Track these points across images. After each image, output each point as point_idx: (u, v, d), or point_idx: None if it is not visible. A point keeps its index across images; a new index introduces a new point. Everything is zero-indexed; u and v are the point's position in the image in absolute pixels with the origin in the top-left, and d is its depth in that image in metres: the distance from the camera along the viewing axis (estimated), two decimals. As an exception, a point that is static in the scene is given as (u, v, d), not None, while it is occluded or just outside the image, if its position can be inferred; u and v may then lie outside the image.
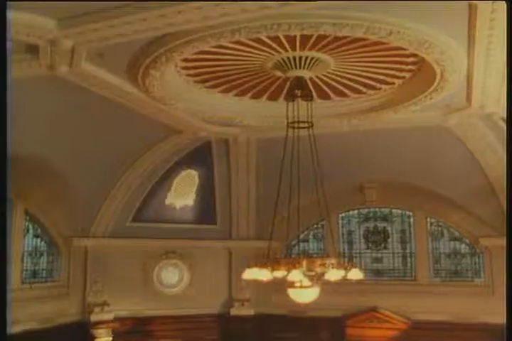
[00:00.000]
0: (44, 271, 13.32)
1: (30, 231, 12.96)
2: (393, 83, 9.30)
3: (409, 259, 14.74)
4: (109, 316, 13.56)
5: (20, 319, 11.62)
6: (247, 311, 14.82)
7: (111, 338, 13.53)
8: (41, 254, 13.27)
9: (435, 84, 8.67)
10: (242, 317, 14.67)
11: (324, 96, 9.87)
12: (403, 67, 8.56)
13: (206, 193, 14.29)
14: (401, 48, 7.53)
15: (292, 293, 7.81)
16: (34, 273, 13.04)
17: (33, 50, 7.42)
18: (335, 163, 11.75)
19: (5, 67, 5.06)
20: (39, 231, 13.12)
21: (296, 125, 8.64)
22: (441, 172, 12.58)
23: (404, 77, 9.02)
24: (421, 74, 8.68)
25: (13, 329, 11.21)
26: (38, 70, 7.89)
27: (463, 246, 14.25)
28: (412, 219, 14.70)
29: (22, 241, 12.58)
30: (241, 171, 13.77)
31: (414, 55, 7.90)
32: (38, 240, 13.21)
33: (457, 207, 13.49)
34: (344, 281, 7.95)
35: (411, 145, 11.92)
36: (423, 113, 10.22)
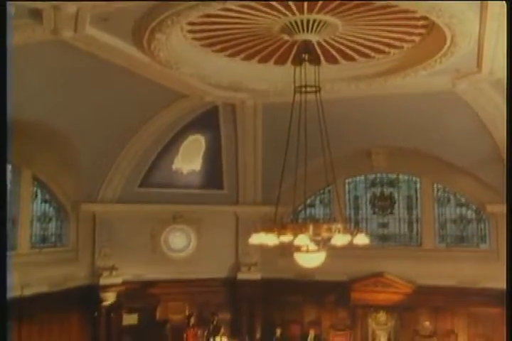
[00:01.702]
0: (53, 236, 13.49)
1: (39, 196, 13.06)
2: (402, 47, 9.14)
3: (415, 225, 14.79)
4: (118, 280, 13.77)
5: (31, 282, 11.83)
6: (254, 275, 14.99)
7: (119, 301, 13.77)
8: (50, 219, 13.40)
9: (445, 48, 8.52)
10: (248, 282, 14.85)
11: (332, 60, 9.73)
12: (412, 30, 8.39)
13: (213, 158, 14.28)
14: (410, 11, 7.37)
15: (298, 257, 7.86)
16: (43, 238, 13.20)
17: (36, 14, 7.30)
18: (342, 128, 11.66)
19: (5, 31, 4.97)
20: (47, 196, 13.22)
21: (303, 89, 8.53)
22: (449, 138, 12.49)
23: (413, 41, 8.86)
24: (431, 38, 8.52)
25: (23, 292, 11.45)
26: (42, 35, 7.78)
27: (469, 212, 14.27)
28: (418, 185, 14.69)
29: (30, 207, 12.67)
30: (248, 136, 13.72)
31: (425, 18, 7.74)
32: (47, 205, 13.32)
33: (464, 173, 13.44)
34: (350, 246, 7.99)
35: (419, 110, 11.80)
36: (432, 78, 10.07)
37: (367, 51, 9.32)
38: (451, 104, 11.20)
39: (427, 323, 13.76)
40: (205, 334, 14.18)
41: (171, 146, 13.65)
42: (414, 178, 14.80)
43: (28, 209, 12.58)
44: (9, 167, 12.13)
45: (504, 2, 5.78)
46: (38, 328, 12.22)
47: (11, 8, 6.25)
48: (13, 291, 11.32)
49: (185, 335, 13.98)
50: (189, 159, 14.18)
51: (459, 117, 11.64)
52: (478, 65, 9.35)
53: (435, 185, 14.50)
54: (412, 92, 10.96)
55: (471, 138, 12.19)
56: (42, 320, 12.22)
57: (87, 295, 13.38)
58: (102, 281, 13.58)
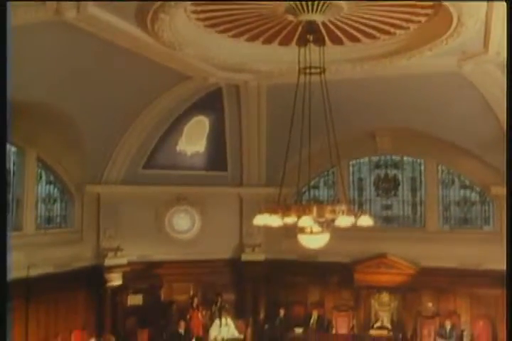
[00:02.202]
0: (58, 217, 13.55)
1: (43, 178, 13.09)
2: (408, 28, 9.03)
3: (418, 207, 14.81)
4: (123, 261, 13.86)
5: (37, 263, 11.93)
6: (258, 256, 15.08)
7: (124, 282, 13.88)
8: (55, 201, 13.45)
9: (451, 29, 8.42)
10: (252, 263, 14.95)
11: (337, 41, 9.63)
12: (419, 10, 8.29)
13: (217, 140, 14.27)
14: (417, -9, 7.29)
15: (302, 238, 7.88)
16: (48, 219, 13.27)
17: (39, -6, 7.25)
18: (346, 110, 11.62)
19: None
20: (51, 178, 13.25)
21: (307, 70, 8.45)
22: (454, 120, 12.43)
23: (419, 22, 8.75)
24: (437, 18, 8.41)
25: (29, 272, 11.55)
26: (45, 15, 7.72)
27: (473, 194, 14.28)
28: (422, 167, 14.67)
29: (35, 188, 12.71)
30: (252, 117, 13.70)
31: (431, -2, 7.65)
32: (51, 187, 13.36)
33: (469, 155, 13.41)
34: (354, 228, 8.01)
35: (424, 92, 11.73)
36: (438, 59, 9.98)
37: (372, 32, 9.22)
38: (457, 85, 11.12)
39: (430, 304, 13.86)
40: (210, 314, 14.30)
41: (174, 128, 13.63)
42: (418, 160, 14.78)
43: (33, 190, 12.61)
44: (13, 148, 12.17)
45: (504, 2, 5.72)
46: (45, 308, 12.38)
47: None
48: (19, 271, 11.45)
49: (189, 316, 14.07)
50: (193, 141, 14.17)
51: (465, 99, 11.58)
52: (485, 45, 9.26)
53: (439, 167, 14.49)
54: (417, 73, 10.88)
55: (476, 120, 12.13)
56: (48, 300, 12.37)
57: (93, 276, 13.49)
58: (107, 262, 13.67)
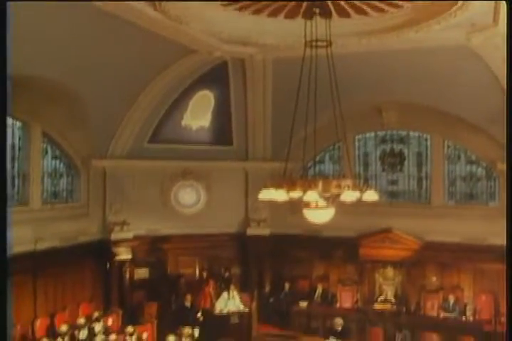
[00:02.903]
0: (64, 192, 13.59)
1: (49, 152, 13.09)
2: (416, 0, 8.90)
3: (424, 182, 14.78)
4: (129, 235, 13.97)
5: (44, 237, 12.03)
6: (263, 231, 15.16)
7: (130, 256, 14.02)
8: (61, 175, 13.47)
9: (460, 1, 8.29)
10: (258, 237, 15.03)
11: (344, 14, 9.51)
12: (427, -18, 8.17)
13: (222, 114, 14.22)
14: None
15: (308, 213, 7.90)
16: (55, 194, 13.31)
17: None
18: (353, 84, 11.50)
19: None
20: (57, 152, 13.25)
21: (314, 44, 8.37)
22: (461, 95, 12.31)
23: (427, -6, 8.63)
24: (446, -11, 8.30)
25: (36, 246, 11.66)
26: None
27: (479, 169, 14.22)
28: (429, 142, 14.59)
29: (41, 163, 12.73)
30: (257, 92, 13.61)
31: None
32: (57, 161, 13.37)
33: (476, 130, 13.32)
34: (359, 203, 8.01)
35: (431, 66, 11.59)
36: (446, 32, 9.81)
37: (379, 4, 9.08)
38: (465, 59, 10.98)
39: (434, 278, 13.94)
40: (216, 288, 14.43)
41: (179, 102, 13.58)
42: (424, 135, 14.69)
43: (39, 165, 12.63)
44: (18, 123, 12.15)
45: (504, 2, 5.61)
46: (53, 281, 12.51)
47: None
48: (26, 246, 11.57)
49: (196, 289, 14.22)
50: (198, 115, 14.12)
51: (472, 73, 11.44)
52: (495, 18, 9.10)
53: (446, 142, 14.41)
54: (424, 47, 10.74)
55: (483, 95, 12.00)
56: (56, 273, 12.49)
57: (99, 250, 13.61)
58: (114, 236, 13.78)
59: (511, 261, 5.74)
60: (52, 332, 11.63)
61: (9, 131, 11.98)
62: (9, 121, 11.89)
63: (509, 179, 6.51)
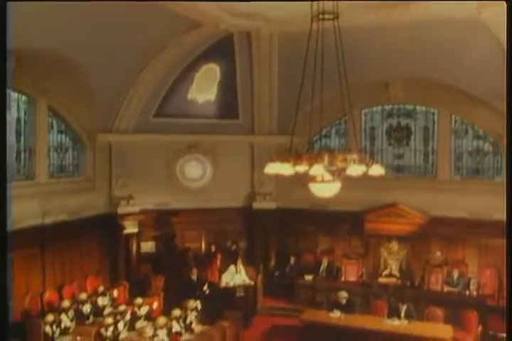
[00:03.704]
0: (70, 166, 13.64)
1: (55, 127, 13.09)
2: (426, -29, 8.75)
3: (430, 156, 14.73)
4: (135, 209, 14.05)
5: (51, 211, 12.12)
6: (269, 205, 15.20)
7: (137, 229, 14.12)
8: (67, 150, 13.50)
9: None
10: (264, 211, 15.09)
11: (351, -14, 9.38)
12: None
13: (228, 88, 14.15)
14: None
15: (313, 187, 7.90)
16: (61, 168, 13.35)
17: None
18: (360, 57, 11.39)
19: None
20: (63, 126, 13.25)
21: (320, 16, 8.26)
22: (470, 69, 12.17)
23: (438, -35, 8.47)
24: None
25: (44, 220, 11.76)
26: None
27: (486, 144, 14.12)
28: (436, 117, 14.48)
29: (47, 137, 12.74)
30: (263, 65, 13.52)
31: None
32: (63, 136, 13.38)
33: (484, 105, 13.18)
34: (365, 177, 8.00)
35: (440, 39, 11.43)
36: (456, 5, 9.67)
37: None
38: (474, 32, 10.82)
39: (438, 253, 14.00)
40: (222, 261, 14.54)
41: (185, 76, 13.50)
42: (431, 109, 14.57)
43: (45, 139, 12.64)
44: (24, 97, 12.13)
45: (504, 2, 5.50)
46: (60, 255, 12.65)
47: None
48: (34, 219, 11.67)
49: (204, 263, 14.35)
50: (204, 89, 14.05)
51: (481, 47, 11.29)
52: (507, -9, 8.94)
53: (453, 117, 14.30)
54: (434, 21, 10.57)
55: (492, 69, 11.82)
56: (63, 247, 12.62)
57: (106, 224, 13.71)
58: (120, 210, 13.86)
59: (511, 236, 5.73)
60: (60, 303, 11.81)
61: (14, 105, 11.98)
62: (14, 95, 11.89)
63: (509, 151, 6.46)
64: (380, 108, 15.05)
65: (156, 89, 13.38)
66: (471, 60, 11.83)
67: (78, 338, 10.03)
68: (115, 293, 12.37)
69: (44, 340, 10.35)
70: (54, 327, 10.46)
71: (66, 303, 11.11)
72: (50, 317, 10.50)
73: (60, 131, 13.26)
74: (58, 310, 11.00)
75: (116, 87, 12.65)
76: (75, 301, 11.42)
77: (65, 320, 10.72)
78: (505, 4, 5.60)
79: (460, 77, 12.50)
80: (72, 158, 13.64)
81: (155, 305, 11.86)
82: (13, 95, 11.81)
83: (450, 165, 14.38)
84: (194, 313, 11.08)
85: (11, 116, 11.87)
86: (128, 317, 10.90)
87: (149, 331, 9.88)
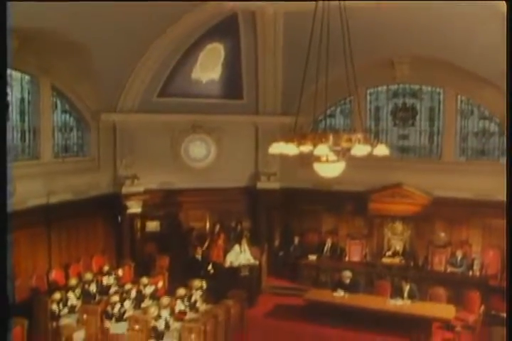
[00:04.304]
0: (75, 146, 13.65)
1: (59, 106, 13.06)
2: None
3: (435, 137, 14.66)
4: (139, 189, 14.09)
5: (56, 190, 12.17)
6: (273, 185, 15.21)
7: (141, 209, 14.17)
8: (71, 129, 13.49)
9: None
10: (268, 191, 15.11)
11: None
12: None
13: (232, 67, 14.06)
14: None
15: (318, 167, 7.89)
16: (65, 148, 13.36)
17: None
18: (365, 36, 11.26)
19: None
20: (67, 106, 13.22)
21: (326, -5, 8.16)
22: (476, 48, 12.03)
23: None
24: None
25: (49, 200, 11.83)
26: None
27: (492, 125, 14.04)
28: (442, 97, 14.37)
29: (51, 117, 12.72)
30: (268, 45, 13.41)
31: None
32: (67, 115, 13.36)
33: (490, 85, 13.05)
34: (369, 157, 7.98)
35: (446, 19, 11.29)
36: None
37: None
38: (482, 12, 10.66)
39: (442, 234, 14.03)
40: (227, 241, 14.62)
41: (189, 55, 13.40)
42: (437, 89, 14.45)
43: (49, 119, 12.63)
44: (27, 77, 12.08)
45: (504, 2, 5.39)
46: (66, 234, 12.76)
47: None
48: (39, 199, 11.73)
49: (208, 242, 14.42)
50: (208, 68, 13.97)
51: (488, 26, 11.13)
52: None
53: (459, 97, 14.19)
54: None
55: (499, 49, 11.65)
56: (69, 226, 12.73)
57: (111, 204, 13.77)
58: (124, 190, 13.90)
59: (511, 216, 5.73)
60: (66, 282, 11.94)
61: (17, 85, 11.95)
62: (17, 75, 11.85)
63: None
64: (385, 88, 14.95)
65: (159, 68, 13.31)
66: (480, 41, 11.68)
67: (84, 316, 10.15)
68: (120, 272, 12.48)
69: (50, 318, 10.47)
70: (61, 305, 10.59)
71: (73, 282, 11.24)
72: (57, 295, 10.63)
73: (64, 111, 13.25)
74: (65, 289, 11.13)
75: (119, 66, 12.58)
76: (81, 281, 11.53)
77: (72, 298, 10.85)
78: (506, 4, 5.52)
79: (468, 57, 12.37)
80: (77, 138, 13.65)
81: (160, 284, 11.96)
82: (15, 75, 11.77)
83: (455, 145, 14.32)
84: (199, 292, 11.18)
85: (15, 96, 11.85)
86: (133, 295, 11.02)
87: (154, 311, 9.97)
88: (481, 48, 11.89)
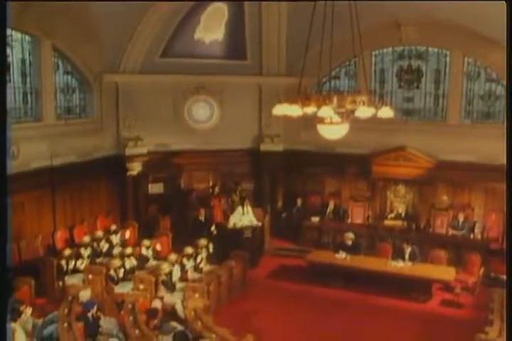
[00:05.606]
0: (78, 108, 13.57)
1: (60, 68, 12.92)
2: None
3: (441, 100, 14.51)
4: (143, 150, 14.09)
5: (59, 152, 12.20)
6: (277, 147, 15.16)
7: (145, 171, 14.20)
8: (73, 91, 13.39)
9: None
10: (271, 153, 15.08)
11: None
12: None
13: (236, 27, 13.85)
14: None
15: (322, 129, 7.86)
16: (68, 110, 13.29)
17: None
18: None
19: None
20: (69, 67, 13.08)
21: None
22: (483, 9, 11.75)
23: None
24: None
25: (53, 162, 11.87)
26: None
27: (499, 87, 13.86)
28: (448, 59, 14.15)
29: (53, 78, 12.59)
30: (272, 4, 13.15)
31: None
32: (69, 77, 13.23)
33: (498, 47, 12.79)
34: (373, 119, 7.93)
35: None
36: None
37: None
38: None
39: (445, 197, 14.07)
40: (229, 202, 14.71)
41: (192, 15, 13.18)
42: (443, 51, 14.22)
43: (51, 80, 12.50)
44: (28, 38, 11.91)
45: (504, 2, 5.20)
46: (70, 196, 12.85)
47: None
48: (42, 161, 11.75)
49: (210, 204, 14.51)
50: (211, 28, 13.76)
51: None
52: None
53: (466, 59, 13.96)
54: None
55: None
56: (73, 188, 12.80)
57: (114, 165, 13.79)
58: (128, 152, 13.90)
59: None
60: (71, 243, 12.09)
61: (18, 45, 11.79)
62: (18, 35, 11.68)
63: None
64: (390, 49, 14.71)
65: (162, 28, 13.12)
66: (488, 2, 11.42)
67: (90, 276, 10.31)
68: (127, 234, 12.59)
69: (57, 278, 10.65)
70: (68, 263, 10.77)
71: (86, 239, 11.44)
72: (67, 252, 10.84)
73: (66, 72, 13.12)
74: (71, 248, 11.29)
75: (121, 27, 12.40)
76: (93, 239, 11.69)
77: (83, 254, 11.04)
78: (505, 4, 5.38)
79: (473, 17, 12.10)
80: (79, 100, 13.56)
81: (159, 246, 12.06)
82: (16, 35, 11.60)
83: (461, 108, 14.18)
84: (204, 252, 11.33)
85: (16, 56, 11.71)
86: (137, 256, 11.17)
87: (166, 267, 10.14)
88: (487, 8, 11.63)
